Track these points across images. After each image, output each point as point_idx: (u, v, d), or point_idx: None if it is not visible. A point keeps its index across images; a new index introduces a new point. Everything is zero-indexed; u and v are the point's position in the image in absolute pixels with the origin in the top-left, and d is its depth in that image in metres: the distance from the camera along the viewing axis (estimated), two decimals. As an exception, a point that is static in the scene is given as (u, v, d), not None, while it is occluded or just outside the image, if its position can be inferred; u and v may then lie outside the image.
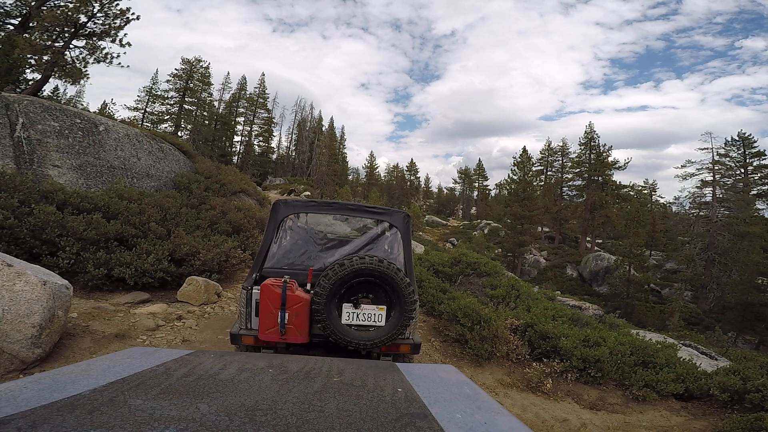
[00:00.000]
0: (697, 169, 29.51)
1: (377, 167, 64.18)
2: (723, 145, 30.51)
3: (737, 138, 30.42)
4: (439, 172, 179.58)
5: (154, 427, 0.77)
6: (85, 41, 13.64)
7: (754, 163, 30.03)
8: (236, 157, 42.84)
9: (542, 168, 43.16)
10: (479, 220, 45.81)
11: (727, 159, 30.29)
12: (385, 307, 2.83)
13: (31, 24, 14.78)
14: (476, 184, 62.38)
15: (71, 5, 12.90)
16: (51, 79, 13.63)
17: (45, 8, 14.16)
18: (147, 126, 29.50)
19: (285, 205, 3.35)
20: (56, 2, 14.91)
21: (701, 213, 29.01)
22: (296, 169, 45.88)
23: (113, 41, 13.79)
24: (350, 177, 58.03)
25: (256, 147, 44.94)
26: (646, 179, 79.44)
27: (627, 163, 34.88)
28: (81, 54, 13.54)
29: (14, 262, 3.74)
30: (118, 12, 13.48)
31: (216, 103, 42.38)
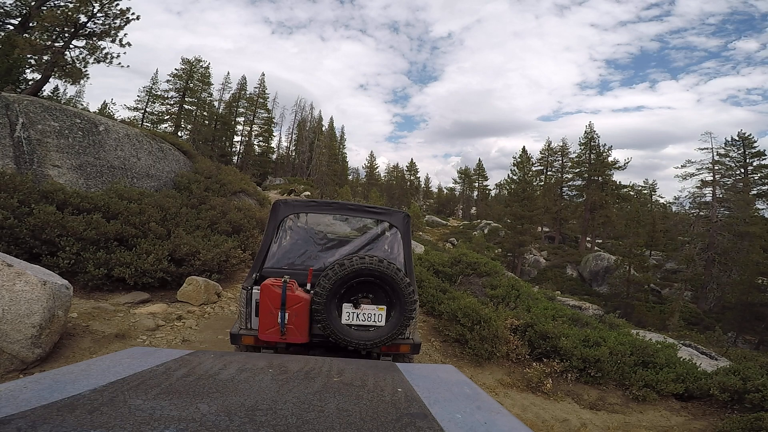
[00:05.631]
0: (697, 169, 29.51)
1: (377, 167, 64.33)
2: (723, 145, 30.56)
3: (737, 138, 30.44)
4: (438, 172, 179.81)
5: (154, 427, 0.77)
6: (85, 41, 13.66)
7: (754, 163, 30.06)
8: (236, 157, 42.83)
9: (542, 168, 43.16)
10: (479, 220, 45.82)
11: (727, 159, 30.32)
12: (385, 307, 2.83)
13: (31, 24, 14.78)
14: (476, 184, 62.41)
15: (71, 5, 12.91)
16: (51, 79, 13.66)
17: (45, 8, 14.16)
18: (147, 126, 29.52)
19: (285, 205, 3.35)
20: (56, 2, 14.92)
21: (701, 213, 28.98)
22: (296, 169, 45.87)
23: (113, 41, 13.81)
24: (350, 177, 58.06)
25: (256, 147, 44.94)
26: (646, 179, 79.58)
27: (627, 163, 34.96)
28: (81, 54, 13.58)
29: (14, 262, 3.74)
30: (118, 12, 13.49)
31: (216, 103, 42.41)
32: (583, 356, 5.22)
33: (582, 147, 37.89)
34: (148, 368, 1.22)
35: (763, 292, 20.29)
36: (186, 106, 37.28)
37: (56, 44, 12.94)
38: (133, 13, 13.77)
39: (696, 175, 29.43)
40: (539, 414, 4.34)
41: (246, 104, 44.42)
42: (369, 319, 2.81)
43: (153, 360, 1.33)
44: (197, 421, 0.82)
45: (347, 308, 2.81)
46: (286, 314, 2.62)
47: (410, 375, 1.38)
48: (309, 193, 28.10)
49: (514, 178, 34.22)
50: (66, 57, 13.05)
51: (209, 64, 38.31)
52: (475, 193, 62.80)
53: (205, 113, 39.04)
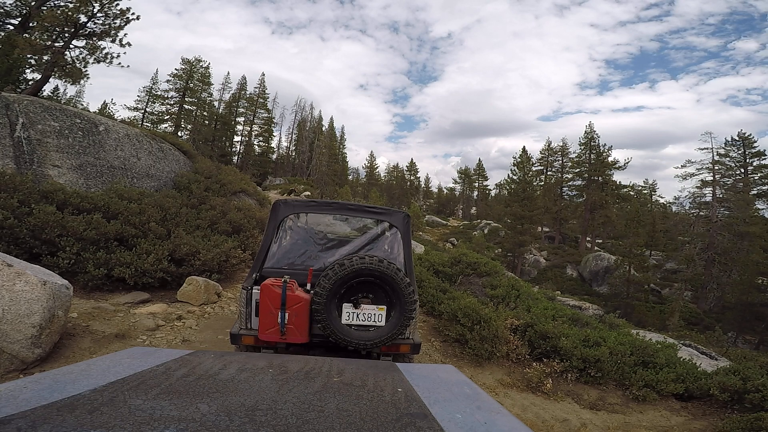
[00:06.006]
0: (697, 169, 29.55)
1: (377, 167, 64.36)
2: (723, 145, 30.57)
3: (737, 138, 30.44)
4: (438, 172, 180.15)
5: (154, 427, 0.77)
6: (85, 41, 13.66)
7: (754, 163, 30.06)
8: (236, 157, 42.82)
9: (542, 168, 43.17)
10: (479, 220, 45.81)
11: (727, 159, 30.34)
12: (385, 307, 2.83)
13: (31, 24, 14.78)
14: (476, 184, 62.41)
15: (71, 5, 12.91)
16: (51, 79, 13.65)
17: (45, 8, 14.16)
18: (147, 126, 29.52)
19: (285, 205, 3.35)
20: (56, 2, 14.92)
21: (701, 213, 29.00)
22: (296, 169, 45.86)
23: (113, 41, 13.81)
24: (350, 177, 58.06)
25: (256, 147, 44.93)
26: (646, 179, 79.60)
27: (627, 163, 34.96)
28: (81, 54, 13.58)
29: (14, 262, 3.74)
30: (118, 12, 13.49)
31: (216, 103, 42.41)
32: (583, 356, 5.22)
33: (582, 147, 37.90)
34: (148, 368, 1.22)
35: (763, 292, 20.30)
36: (186, 106, 37.27)
37: (56, 44, 12.93)
38: (133, 13, 13.77)
39: (696, 175, 29.49)
40: (539, 414, 4.34)
41: (246, 104, 44.41)
42: (369, 319, 2.81)
43: (153, 360, 1.33)
44: (197, 421, 0.82)
45: (347, 308, 2.81)
46: (286, 314, 2.62)
47: (410, 375, 1.38)
48: (309, 193, 28.09)
49: (514, 178, 34.21)
50: (66, 57, 13.04)
51: (209, 64, 38.37)
52: (475, 193, 62.80)
53: (205, 113, 39.03)
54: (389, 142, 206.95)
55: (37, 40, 12.65)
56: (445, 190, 69.52)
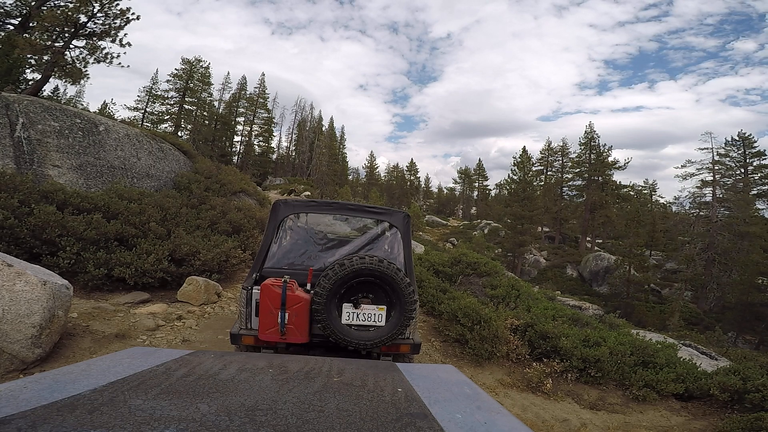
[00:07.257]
0: (697, 169, 29.56)
1: (377, 167, 64.35)
2: (723, 145, 30.59)
3: (737, 138, 30.45)
4: (438, 172, 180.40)
5: (154, 427, 0.77)
6: (85, 41, 13.66)
7: (754, 163, 30.07)
8: (236, 157, 42.84)
9: (542, 168, 43.19)
10: (479, 220, 45.81)
11: (727, 159, 30.35)
12: (385, 307, 2.83)
13: (31, 24, 14.78)
14: (476, 184, 62.43)
15: (71, 5, 12.91)
16: (51, 79, 13.65)
17: (45, 8, 14.16)
18: (147, 126, 29.52)
19: (285, 205, 3.35)
20: (56, 2, 14.92)
21: (701, 213, 29.01)
22: (296, 169, 45.87)
23: (113, 41, 13.82)
24: (350, 177, 58.05)
25: (256, 147, 44.95)
26: (646, 179, 79.59)
27: (627, 163, 34.98)
28: (81, 54, 13.58)
29: (14, 262, 3.74)
30: (118, 12, 13.49)
31: (216, 103, 42.42)
32: (583, 356, 5.22)
33: (582, 147, 37.91)
34: (148, 368, 1.22)
35: (763, 292, 20.30)
36: (186, 106, 37.27)
37: (56, 44, 12.93)
38: (133, 13, 13.78)
39: (696, 175, 29.50)
40: (539, 414, 4.34)
41: (246, 104, 44.43)
42: (369, 319, 2.81)
43: (153, 360, 1.33)
44: (197, 421, 0.82)
45: (347, 308, 2.81)
46: (286, 314, 2.62)
47: (410, 375, 1.38)
48: (309, 193, 28.09)
49: (514, 178, 34.18)
50: (66, 57, 13.04)
51: (209, 64, 38.37)
52: (475, 193, 62.81)
53: (205, 113, 39.04)
54: (389, 142, 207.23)
55: (37, 40, 12.65)
56: (445, 190, 69.59)
